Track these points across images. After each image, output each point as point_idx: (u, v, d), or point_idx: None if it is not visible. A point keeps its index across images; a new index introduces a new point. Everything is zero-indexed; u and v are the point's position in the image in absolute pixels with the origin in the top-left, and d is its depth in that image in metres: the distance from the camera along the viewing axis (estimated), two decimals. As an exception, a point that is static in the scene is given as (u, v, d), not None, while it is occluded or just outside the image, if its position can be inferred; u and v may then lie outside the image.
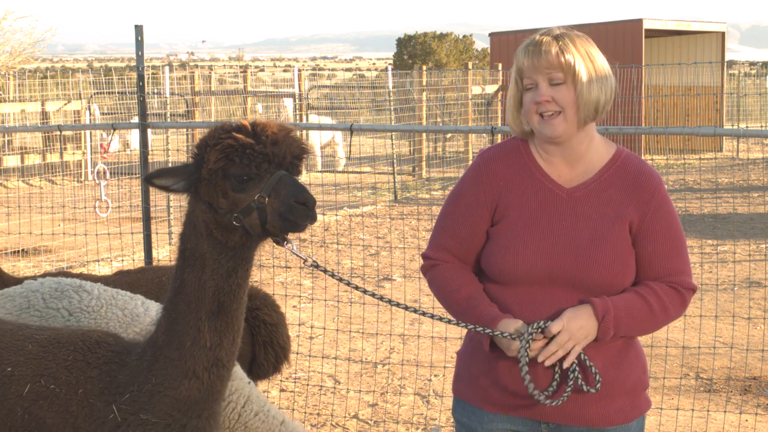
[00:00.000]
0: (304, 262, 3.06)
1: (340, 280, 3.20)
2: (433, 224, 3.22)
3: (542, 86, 2.92)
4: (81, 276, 4.93)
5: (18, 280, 4.90)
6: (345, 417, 6.38)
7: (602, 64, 2.96)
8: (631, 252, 2.96)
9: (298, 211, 2.80)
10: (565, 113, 2.92)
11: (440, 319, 3.13)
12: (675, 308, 2.97)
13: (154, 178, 2.97)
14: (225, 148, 2.85)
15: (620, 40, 22.33)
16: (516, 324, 2.90)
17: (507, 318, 2.92)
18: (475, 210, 3.04)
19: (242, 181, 2.85)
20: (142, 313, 3.84)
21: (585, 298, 2.90)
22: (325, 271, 3.12)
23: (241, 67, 33.16)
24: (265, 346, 4.74)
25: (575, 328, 2.85)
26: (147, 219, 6.71)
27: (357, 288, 3.22)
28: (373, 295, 3.25)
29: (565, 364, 2.87)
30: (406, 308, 3.19)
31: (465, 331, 3.14)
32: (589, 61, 2.92)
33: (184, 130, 17.28)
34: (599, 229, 2.94)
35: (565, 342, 2.85)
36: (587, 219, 2.95)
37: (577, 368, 2.90)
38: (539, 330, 2.87)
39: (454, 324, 3.08)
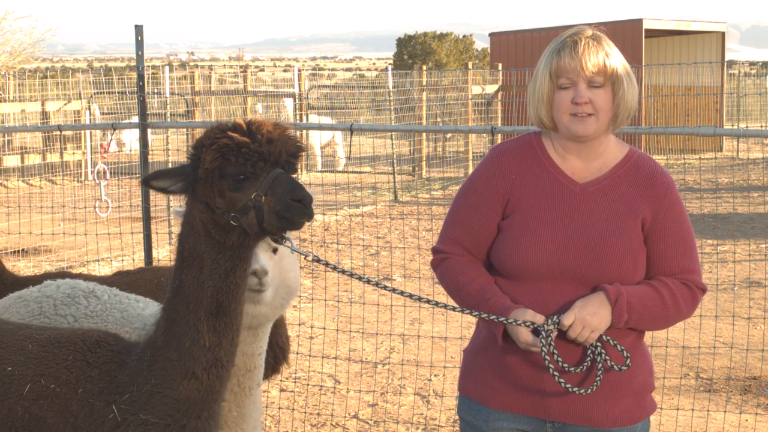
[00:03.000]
0: (305, 258, 3.06)
1: (343, 272, 3.18)
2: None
3: (581, 87, 2.93)
4: (81, 276, 4.93)
5: (17, 278, 4.90)
6: (345, 417, 6.38)
7: (631, 71, 3.01)
8: (642, 249, 2.96)
9: (294, 209, 2.80)
10: (598, 116, 2.94)
11: (454, 309, 3.08)
12: (687, 305, 2.98)
13: (151, 180, 2.98)
14: (221, 147, 2.85)
15: (620, 40, 22.22)
16: (528, 314, 2.89)
17: (519, 308, 2.91)
18: (487, 202, 3.04)
19: (239, 180, 2.85)
20: (136, 314, 3.85)
21: (597, 286, 2.90)
22: (327, 264, 3.10)
23: (241, 67, 33.15)
24: None
25: (588, 315, 2.84)
26: (147, 219, 6.70)
27: (360, 278, 3.18)
28: (376, 284, 3.22)
29: (586, 342, 2.88)
30: (411, 296, 3.17)
31: (466, 330, 3.14)
32: (627, 69, 2.98)
33: (184, 130, 17.30)
34: (611, 225, 2.95)
35: (580, 331, 2.85)
36: (599, 214, 2.96)
37: (603, 351, 2.90)
38: (555, 326, 2.87)
39: (467, 313, 3.05)
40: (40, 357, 3.08)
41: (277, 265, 3.40)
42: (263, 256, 3.32)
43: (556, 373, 2.89)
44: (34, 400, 3.02)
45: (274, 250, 3.39)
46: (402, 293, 3.21)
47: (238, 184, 2.85)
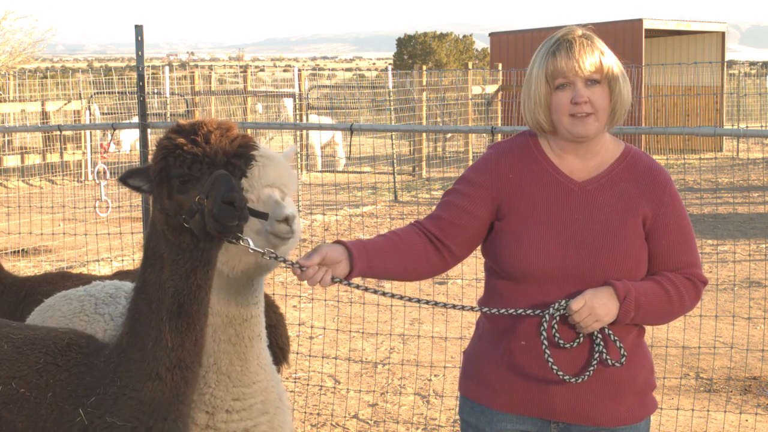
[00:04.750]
0: (262, 256, 2.96)
1: (293, 265, 2.89)
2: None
3: (579, 86, 2.92)
4: (80, 276, 4.92)
5: (16, 279, 4.90)
6: (345, 417, 6.38)
7: (622, 68, 3.03)
8: (643, 246, 2.96)
9: (225, 212, 2.73)
10: (597, 115, 2.94)
11: (443, 305, 3.07)
12: (690, 298, 2.98)
13: (127, 178, 2.98)
14: (161, 149, 2.85)
15: (620, 40, 22.32)
16: (329, 249, 2.83)
17: (329, 244, 2.88)
18: (478, 193, 3.03)
19: (183, 182, 2.82)
20: None
21: (606, 281, 2.89)
22: (284, 261, 2.97)
23: (241, 67, 33.14)
24: None
25: (597, 305, 2.84)
26: (147, 219, 6.70)
27: (294, 264, 2.87)
28: (348, 283, 2.99)
29: (585, 330, 2.88)
30: (393, 296, 3.11)
31: (466, 330, 3.13)
32: (618, 65, 2.98)
33: (184, 130, 17.24)
34: (611, 223, 2.94)
35: (586, 317, 2.84)
36: (599, 212, 2.96)
37: (602, 342, 2.90)
38: (561, 310, 2.87)
39: (469, 310, 3.05)
40: (13, 359, 3.06)
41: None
42: (286, 202, 3.18)
43: (550, 359, 2.88)
44: (5, 403, 2.99)
45: (282, 194, 3.24)
46: (363, 288, 3.09)
47: (183, 186, 2.82)
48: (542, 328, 2.88)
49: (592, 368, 2.90)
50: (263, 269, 3.23)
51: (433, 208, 3.14)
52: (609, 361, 2.90)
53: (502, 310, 2.96)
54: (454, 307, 3.07)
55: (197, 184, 2.81)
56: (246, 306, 3.28)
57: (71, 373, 3.03)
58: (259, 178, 3.15)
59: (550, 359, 2.89)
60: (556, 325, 2.89)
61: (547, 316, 2.87)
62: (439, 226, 3.05)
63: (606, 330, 2.90)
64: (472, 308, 3.05)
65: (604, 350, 2.90)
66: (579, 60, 2.91)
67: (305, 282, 2.88)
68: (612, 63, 2.96)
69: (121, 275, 4.87)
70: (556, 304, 2.87)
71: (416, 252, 3.01)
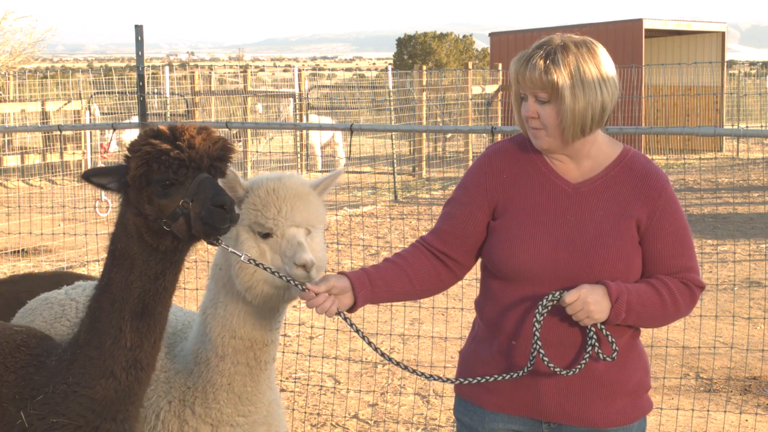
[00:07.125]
0: (241, 259, 3.03)
1: (303, 289, 2.98)
2: (433, 224, 3.23)
3: (530, 101, 2.93)
4: (78, 276, 4.89)
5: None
6: (345, 417, 6.38)
7: (594, 78, 2.86)
8: (636, 250, 2.95)
9: (216, 215, 2.79)
10: (548, 131, 2.93)
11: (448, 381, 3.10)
12: (685, 303, 2.97)
13: (91, 175, 3.00)
14: (143, 155, 2.86)
15: (620, 40, 22.33)
16: (336, 280, 2.94)
17: (336, 275, 2.98)
18: (475, 197, 3.05)
19: (165, 187, 2.85)
20: None
21: (600, 280, 2.88)
22: (264, 267, 3.04)
23: (241, 67, 33.11)
24: None
25: (591, 302, 2.83)
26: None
27: (304, 288, 2.99)
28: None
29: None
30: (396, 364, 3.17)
31: (466, 330, 3.13)
32: (578, 80, 2.85)
33: (184, 130, 17.22)
34: (604, 226, 2.94)
35: (578, 311, 2.83)
36: (592, 215, 2.95)
37: (595, 336, 2.90)
38: (555, 301, 2.87)
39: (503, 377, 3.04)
40: None
41: (308, 247, 3.26)
42: (306, 245, 3.20)
43: (542, 351, 2.87)
44: None
45: (307, 232, 3.29)
46: (355, 329, 3.13)
47: (165, 191, 2.85)
48: (536, 319, 2.88)
49: (584, 361, 2.89)
50: (290, 298, 3.28)
51: (433, 208, 3.17)
52: (600, 356, 2.90)
53: (494, 377, 2.99)
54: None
55: (180, 188, 2.84)
56: (269, 331, 3.35)
57: (18, 375, 3.04)
58: (286, 217, 3.20)
59: (542, 350, 2.88)
60: (545, 312, 2.88)
61: (539, 308, 2.87)
62: (443, 239, 3.08)
63: (599, 325, 2.90)
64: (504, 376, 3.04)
65: (597, 343, 2.90)
66: (524, 76, 2.90)
67: (314, 309, 2.97)
68: (559, 78, 2.84)
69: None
70: (550, 295, 2.87)
71: (425, 273, 3.10)
